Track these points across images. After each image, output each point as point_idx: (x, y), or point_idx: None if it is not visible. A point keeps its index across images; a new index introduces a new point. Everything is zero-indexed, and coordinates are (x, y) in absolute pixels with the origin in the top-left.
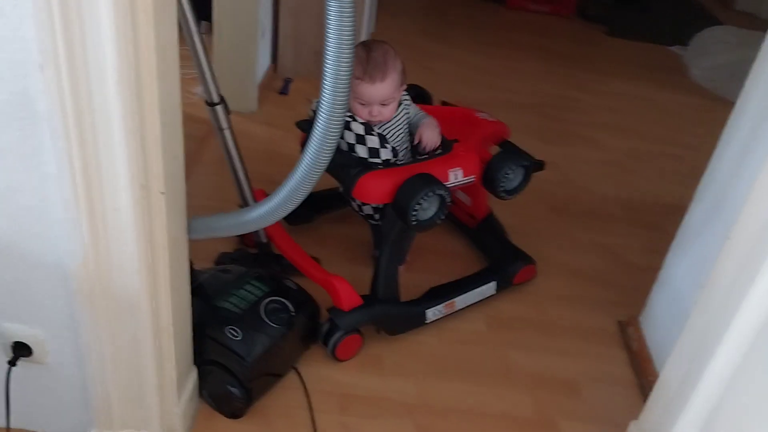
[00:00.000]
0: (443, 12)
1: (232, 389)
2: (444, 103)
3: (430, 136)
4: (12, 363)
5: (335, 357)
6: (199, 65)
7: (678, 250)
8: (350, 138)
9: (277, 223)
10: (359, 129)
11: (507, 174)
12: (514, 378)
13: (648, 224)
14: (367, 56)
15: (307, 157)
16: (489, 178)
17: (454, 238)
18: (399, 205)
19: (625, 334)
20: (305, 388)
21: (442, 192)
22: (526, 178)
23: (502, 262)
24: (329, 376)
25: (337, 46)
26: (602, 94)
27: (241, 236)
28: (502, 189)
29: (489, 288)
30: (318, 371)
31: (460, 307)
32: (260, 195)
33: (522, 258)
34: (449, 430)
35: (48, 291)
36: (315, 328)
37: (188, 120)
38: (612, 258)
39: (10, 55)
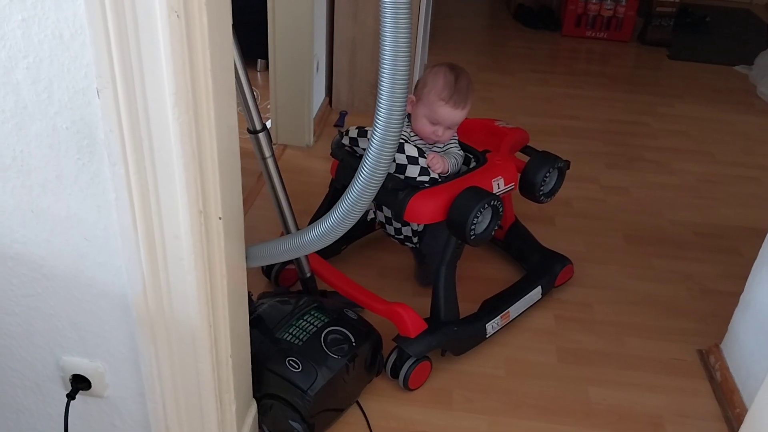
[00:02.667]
0: (497, 42)
1: (294, 424)
2: None
3: (437, 160)
4: (71, 396)
5: (407, 387)
6: (241, 92)
7: (762, 271)
8: (401, 159)
9: (321, 259)
10: (412, 151)
11: (545, 178)
12: (593, 414)
13: (725, 249)
14: (455, 81)
15: (362, 174)
16: (528, 184)
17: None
18: (455, 222)
19: (706, 363)
20: (368, 424)
21: (495, 202)
22: (561, 179)
23: (542, 266)
24: (394, 411)
25: (392, 73)
26: (668, 118)
27: (277, 278)
28: (541, 193)
29: (536, 293)
30: (381, 406)
31: (513, 317)
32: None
33: (560, 259)
34: None
35: (110, 322)
36: (377, 360)
37: (246, 155)
38: (689, 285)
39: (71, 84)
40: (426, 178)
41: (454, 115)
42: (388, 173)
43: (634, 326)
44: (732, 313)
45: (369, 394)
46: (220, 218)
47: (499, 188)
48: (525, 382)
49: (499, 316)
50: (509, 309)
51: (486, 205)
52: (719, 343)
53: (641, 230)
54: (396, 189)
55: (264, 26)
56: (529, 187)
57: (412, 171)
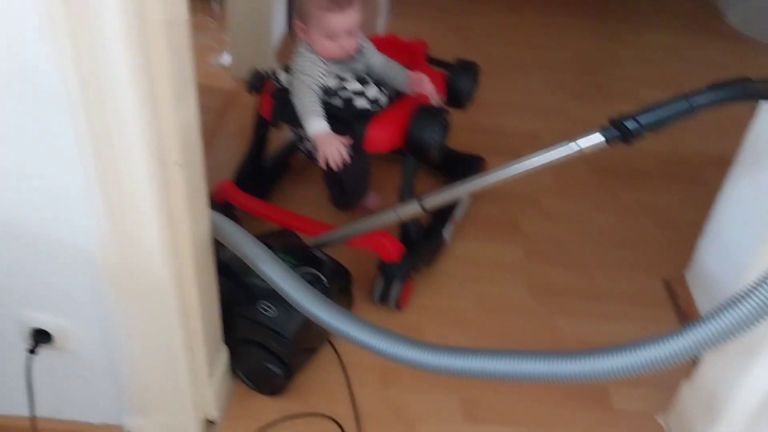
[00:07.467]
0: None
1: (271, 366)
2: None
3: (431, 89)
4: (31, 351)
5: (398, 307)
6: None
7: (726, 200)
8: (346, 94)
9: (278, 207)
10: (356, 86)
11: (469, 83)
12: (560, 344)
13: (690, 178)
14: None
15: None
16: (455, 92)
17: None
18: (418, 142)
19: (671, 293)
20: (342, 362)
21: (447, 116)
22: (476, 81)
23: (461, 168)
24: None
25: None
26: (638, 46)
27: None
28: (467, 98)
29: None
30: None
31: (458, 220)
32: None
33: (475, 159)
34: (497, 402)
35: (71, 276)
36: (349, 299)
37: (205, 91)
38: (655, 215)
39: (12, 27)
40: (379, 108)
41: (345, 19)
42: (342, 107)
43: (602, 258)
44: (696, 242)
45: None
46: (179, 165)
47: (435, 102)
48: (496, 316)
49: (450, 222)
50: (454, 213)
51: (442, 121)
52: (684, 272)
53: (609, 162)
54: (348, 120)
55: None
56: (455, 95)
57: (362, 103)
